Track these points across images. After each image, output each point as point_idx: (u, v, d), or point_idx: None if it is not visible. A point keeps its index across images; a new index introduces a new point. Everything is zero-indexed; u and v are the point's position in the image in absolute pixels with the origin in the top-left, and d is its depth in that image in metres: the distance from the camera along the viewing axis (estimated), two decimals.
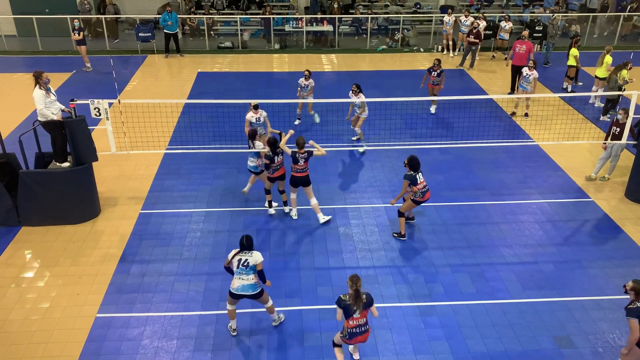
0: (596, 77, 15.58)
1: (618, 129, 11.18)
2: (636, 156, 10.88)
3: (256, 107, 11.20)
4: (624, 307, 6.56)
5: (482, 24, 19.81)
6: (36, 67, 13.78)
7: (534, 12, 23.07)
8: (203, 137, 12.74)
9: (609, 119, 14.39)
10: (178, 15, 20.34)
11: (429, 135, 13.54)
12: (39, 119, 9.67)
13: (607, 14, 23.42)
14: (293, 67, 19.13)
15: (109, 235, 9.75)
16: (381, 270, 8.93)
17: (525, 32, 16.84)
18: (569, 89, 16.67)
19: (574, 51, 16.19)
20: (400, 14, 22.99)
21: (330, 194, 11.11)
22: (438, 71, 14.37)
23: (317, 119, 14.18)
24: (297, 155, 9.58)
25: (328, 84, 17.46)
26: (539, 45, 20.60)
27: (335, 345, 6.94)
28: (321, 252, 9.36)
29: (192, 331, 7.67)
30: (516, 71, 15.93)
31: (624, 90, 13.88)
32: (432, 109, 14.97)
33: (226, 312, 7.54)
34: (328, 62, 19.92)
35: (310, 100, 13.32)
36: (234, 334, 7.56)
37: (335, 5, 23.23)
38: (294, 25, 21.98)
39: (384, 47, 21.92)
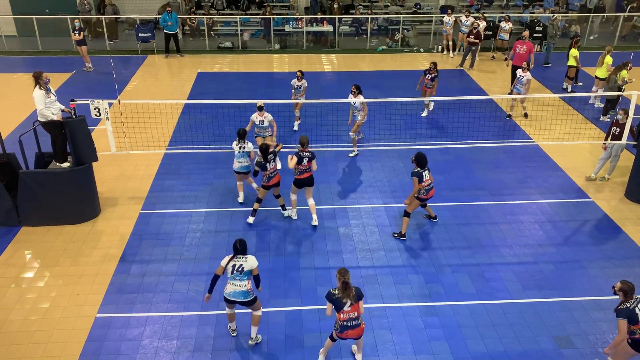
0: (596, 77, 15.58)
1: (618, 129, 11.18)
2: (636, 156, 10.88)
3: (261, 108, 11.26)
4: (614, 308, 6.58)
5: (482, 24, 19.81)
6: (36, 67, 13.77)
7: (533, 13, 23.07)
8: (203, 137, 12.74)
9: (608, 119, 14.39)
10: (178, 16, 20.34)
11: (429, 136, 13.54)
12: (39, 119, 9.67)
13: (602, 14, 23.37)
14: (293, 67, 19.12)
15: (109, 235, 9.75)
16: (381, 270, 8.93)
17: (526, 33, 16.84)
18: (569, 89, 16.67)
19: (574, 51, 16.19)
20: (400, 14, 22.99)
21: (330, 194, 11.11)
22: (433, 75, 14.36)
23: (296, 127, 13.76)
24: (301, 154, 9.55)
25: (328, 84, 17.47)
26: (539, 46, 20.61)
27: (332, 338, 6.99)
28: (321, 252, 9.36)
29: (192, 331, 7.67)
30: (516, 71, 15.92)
31: (624, 90, 13.89)
32: (424, 113, 14.90)
33: (225, 312, 7.55)
34: (328, 63, 19.93)
35: (302, 100, 13.21)
36: (234, 334, 7.56)
37: (336, 6, 23.24)
38: (294, 26, 21.99)
39: (384, 47, 21.93)
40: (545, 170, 12.12)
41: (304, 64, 19.74)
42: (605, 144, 11.53)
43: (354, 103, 12.01)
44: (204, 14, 22.56)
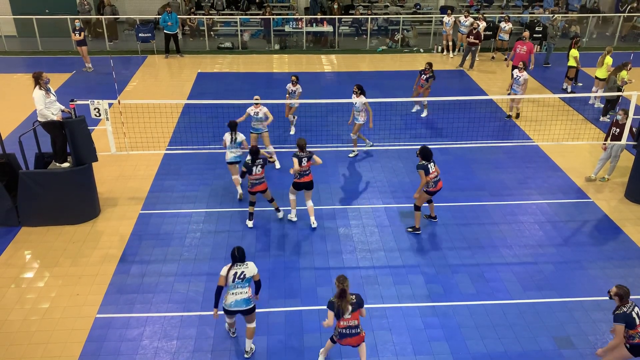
0: (596, 77, 15.58)
1: (618, 130, 11.18)
2: (636, 157, 10.88)
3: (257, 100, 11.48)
4: (612, 312, 6.58)
5: (482, 24, 19.81)
6: (36, 67, 13.78)
7: (533, 13, 23.07)
8: (203, 138, 12.73)
9: (608, 120, 14.39)
10: (178, 16, 20.34)
11: (428, 136, 13.55)
12: (39, 119, 9.67)
13: (596, 14, 23.34)
14: (293, 67, 19.14)
15: (108, 236, 9.75)
16: (381, 270, 8.93)
17: (526, 33, 16.85)
18: (569, 90, 16.67)
19: (574, 52, 16.19)
20: (400, 14, 22.99)
21: (330, 194, 11.11)
22: (428, 75, 14.37)
23: (293, 130, 13.75)
24: (300, 155, 9.54)
25: (328, 85, 17.48)
26: (538, 46, 20.61)
27: (331, 339, 6.97)
28: (321, 252, 9.36)
29: (192, 332, 7.67)
30: None
31: (623, 91, 13.89)
32: (424, 114, 14.93)
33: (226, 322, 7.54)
34: (328, 63, 19.93)
35: (296, 101, 13.11)
36: (234, 335, 7.55)
37: (335, 6, 23.24)
38: (294, 26, 22.00)
39: (384, 47, 21.93)
40: (545, 171, 12.12)
41: (304, 64, 19.75)
42: (605, 144, 11.53)
43: (355, 103, 11.97)
44: (203, 15, 22.56)
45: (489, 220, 10.32)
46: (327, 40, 22.11)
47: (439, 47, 21.45)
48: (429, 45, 22.00)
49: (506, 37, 20.17)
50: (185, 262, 9.09)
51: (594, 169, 11.79)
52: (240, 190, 10.77)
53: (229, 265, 6.92)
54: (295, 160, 9.50)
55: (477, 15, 20.68)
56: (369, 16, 22.43)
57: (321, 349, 7.23)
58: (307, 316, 7.95)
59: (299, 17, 22.34)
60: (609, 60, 15.12)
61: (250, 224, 9.96)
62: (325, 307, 8.07)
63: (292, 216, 10.15)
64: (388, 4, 24.73)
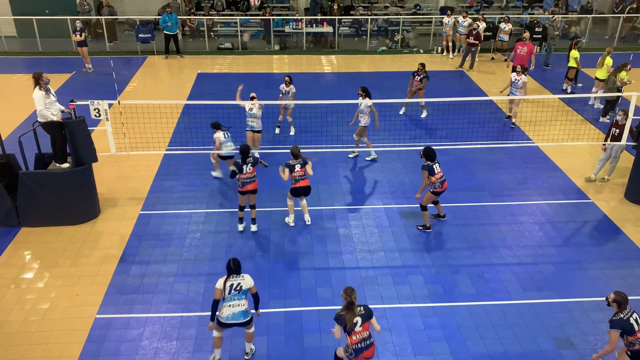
0: (596, 78, 15.59)
1: (617, 130, 11.18)
2: (636, 157, 10.89)
3: (252, 98, 11.70)
4: (608, 320, 6.53)
5: (482, 25, 19.82)
6: (36, 68, 13.78)
7: (533, 14, 23.08)
8: (203, 138, 12.73)
9: (608, 121, 14.39)
10: (178, 17, 20.34)
11: (428, 137, 13.55)
12: (39, 119, 9.67)
13: (594, 15, 23.34)
14: (293, 68, 19.14)
15: (108, 236, 9.75)
16: (381, 271, 8.93)
17: (527, 34, 16.84)
18: (569, 91, 16.68)
19: (574, 53, 16.19)
20: (400, 15, 23.00)
21: (330, 194, 11.11)
22: (421, 76, 14.37)
23: (292, 131, 13.72)
24: (292, 163, 9.55)
25: (328, 85, 17.48)
26: (538, 47, 20.62)
27: (337, 358, 6.74)
28: (321, 253, 9.36)
29: (192, 332, 7.66)
30: None
31: (623, 91, 13.89)
32: (423, 114, 14.93)
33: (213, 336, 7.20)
34: (328, 63, 19.94)
35: (291, 102, 13.09)
36: None
37: (335, 7, 23.25)
38: (294, 27, 22.01)
39: (384, 48, 21.94)
40: (545, 171, 12.12)
41: (304, 64, 19.76)
42: (604, 145, 11.54)
43: (360, 105, 11.89)
44: (203, 15, 22.57)
45: (488, 220, 10.32)
46: (327, 41, 22.12)
47: (439, 48, 21.46)
48: (428, 45, 22.01)
49: (506, 37, 20.18)
50: (185, 262, 9.09)
51: (594, 170, 11.80)
52: (218, 171, 11.56)
53: (225, 277, 6.72)
54: (287, 170, 9.53)
55: (476, 16, 20.68)
56: (369, 17, 22.44)
57: None
58: (307, 317, 7.95)
59: (299, 17, 22.36)
60: (609, 61, 15.12)
61: (241, 227, 9.83)
62: (325, 307, 8.13)
63: (290, 221, 10.09)
64: (388, 4, 24.74)
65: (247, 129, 11.75)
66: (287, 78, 13.24)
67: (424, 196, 9.69)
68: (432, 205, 10.08)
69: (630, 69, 14.39)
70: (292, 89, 13.22)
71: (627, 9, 23.25)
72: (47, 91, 9.57)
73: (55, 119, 9.62)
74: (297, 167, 9.57)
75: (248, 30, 22.77)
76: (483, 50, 20.48)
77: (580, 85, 17.38)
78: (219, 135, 10.87)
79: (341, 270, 8.92)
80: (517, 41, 16.83)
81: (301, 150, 9.77)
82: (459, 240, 9.72)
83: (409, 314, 8.03)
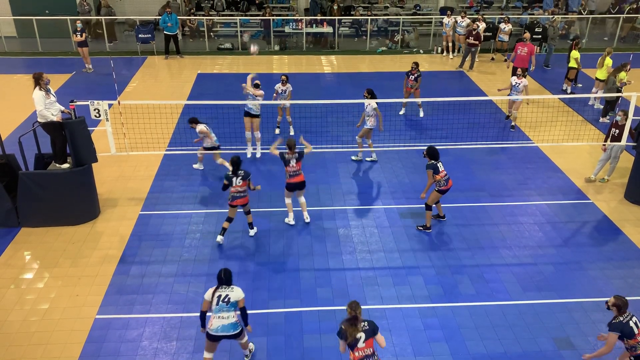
0: (597, 78, 15.59)
1: (617, 131, 11.18)
2: (636, 158, 10.89)
3: (257, 85, 12.26)
4: (608, 323, 6.52)
5: (482, 25, 19.82)
6: (36, 68, 13.76)
7: (533, 14, 23.09)
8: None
9: (608, 121, 14.39)
10: (178, 17, 20.34)
11: (428, 137, 13.54)
12: (39, 120, 9.67)
13: (594, 16, 23.34)
14: (293, 68, 19.14)
15: (108, 236, 9.74)
16: (380, 271, 8.93)
17: (527, 35, 16.82)
18: (569, 91, 16.68)
19: (575, 53, 16.18)
20: (400, 15, 23.00)
21: (330, 195, 11.11)
22: (415, 75, 14.38)
23: (292, 131, 13.76)
24: (287, 157, 9.52)
25: (328, 86, 17.49)
26: (538, 47, 20.62)
27: None
28: (321, 253, 9.36)
29: (192, 332, 7.66)
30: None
31: (623, 92, 13.88)
32: (421, 114, 14.97)
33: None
34: (328, 64, 19.94)
35: (288, 102, 13.10)
36: None
37: (335, 7, 23.25)
38: (294, 27, 22.00)
39: (384, 48, 21.94)
40: (545, 172, 12.12)
41: (304, 65, 19.76)
42: (604, 145, 11.54)
43: (366, 108, 11.77)
44: (203, 15, 22.57)
45: (488, 221, 10.32)
46: (327, 41, 22.12)
47: (439, 48, 21.46)
48: (428, 46, 22.01)
49: (506, 38, 20.19)
50: (185, 262, 9.09)
51: (594, 170, 11.80)
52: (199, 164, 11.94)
53: (214, 287, 6.59)
54: (277, 151, 9.66)
55: (476, 17, 20.68)
56: (369, 17, 22.44)
57: None
58: (307, 317, 7.95)
59: (299, 18, 22.35)
60: (608, 61, 15.12)
61: (220, 239, 9.44)
62: (324, 307, 8.13)
63: (290, 220, 10.09)
64: (388, 5, 24.74)
65: (246, 109, 12.17)
66: (283, 77, 13.26)
67: (430, 195, 9.69)
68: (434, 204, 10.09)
69: (629, 69, 14.38)
70: (289, 87, 13.25)
71: (627, 9, 23.26)
72: (47, 91, 9.57)
73: (55, 119, 9.62)
74: (292, 162, 9.53)
75: (248, 30, 22.76)
76: (483, 51, 20.47)
77: (580, 85, 17.38)
78: (203, 126, 11.24)
79: (341, 271, 8.92)
80: (518, 41, 16.82)
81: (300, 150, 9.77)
82: (459, 241, 9.72)
83: (409, 315, 8.03)
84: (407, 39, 22.29)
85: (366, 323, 6.09)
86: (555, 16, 21.10)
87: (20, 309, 8.07)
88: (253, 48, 12.26)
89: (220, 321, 6.53)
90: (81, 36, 17.84)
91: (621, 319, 6.36)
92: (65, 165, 10.08)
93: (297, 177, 9.65)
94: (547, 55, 19.64)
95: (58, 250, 9.35)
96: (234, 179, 9.02)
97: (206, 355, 6.79)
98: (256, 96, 12.09)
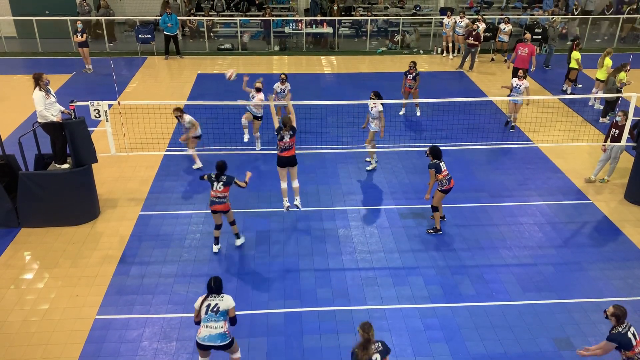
0: (597, 79, 15.59)
1: (617, 131, 11.18)
2: (635, 158, 10.89)
3: (259, 89, 12.31)
4: (608, 333, 6.36)
5: (482, 26, 19.83)
6: (36, 68, 13.73)
7: (533, 15, 23.10)
8: (203, 139, 12.71)
9: (608, 121, 14.40)
10: (178, 17, 20.34)
11: (428, 137, 13.54)
12: (39, 120, 9.67)
13: (582, 16, 23.34)
14: (293, 68, 19.15)
15: (108, 237, 9.74)
16: (380, 272, 8.93)
17: (528, 35, 16.80)
18: (569, 91, 16.68)
19: (576, 54, 16.18)
20: (400, 16, 23.01)
21: (330, 195, 11.11)
22: (414, 74, 14.38)
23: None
24: (282, 132, 9.44)
25: (328, 86, 17.49)
26: (538, 48, 20.62)
27: None
28: (321, 253, 9.36)
29: (192, 333, 7.65)
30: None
31: (622, 92, 13.88)
32: (417, 112, 15.00)
33: None
34: (328, 64, 19.94)
35: (285, 102, 13.07)
36: None
37: (335, 7, 23.25)
38: (294, 27, 22.00)
39: (384, 49, 21.95)
40: (545, 172, 12.12)
41: (304, 65, 19.76)
42: (604, 145, 11.54)
43: (371, 110, 11.59)
44: (203, 16, 22.57)
45: (488, 221, 10.32)
46: (327, 42, 22.11)
47: (439, 49, 21.46)
48: (428, 46, 22.02)
49: (506, 38, 20.19)
50: (185, 263, 9.09)
51: (594, 171, 11.80)
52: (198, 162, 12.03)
53: (204, 296, 6.45)
54: (276, 120, 9.75)
55: (476, 17, 20.68)
56: (369, 17, 22.44)
57: None
58: (307, 317, 7.95)
59: (299, 18, 22.36)
60: (608, 61, 15.13)
61: (216, 249, 9.32)
62: (324, 307, 8.13)
63: (285, 203, 9.96)
64: (388, 5, 24.75)
65: (247, 108, 12.40)
66: (283, 76, 13.30)
67: (434, 196, 9.67)
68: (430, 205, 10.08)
69: (629, 69, 14.39)
70: (287, 86, 13.28)
71: (627, 10, 23.26)
72: (47, 92, 9.57)
73: (55, 119, 9.62)
74: (287, 138, 9.46)
75: (248, 30, 22.77)
76: (483, 51, 20.47)
77: (580, 86, 17.38)
78: (190, 117, 11.71)
79: (341, 271, 8.92)
80: (518, 42, 16.81)
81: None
82: (458, 241, 9.72)
83: (408, 315, 8.03)
84: (408, 40, 22.29)
85: (380, 344, 5.90)
86: (555, 16, 21.10)
87: (20, 309, 8.07)
88: (229, 73, 11.95)
89: (208, 330, 6.35)
90: (82, 37, 17.85)
91: (620, 329, 6.24)
92: (65, 166, 10.08)
93: (288, 151, 9.53)
94: (547, 55, 19.64)
95: (58, 251, 9.35)
96: (215, 183, 8.80)
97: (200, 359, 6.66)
98: (253, 98, 12.22)
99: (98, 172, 10.96)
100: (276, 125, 9.64)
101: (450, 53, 20.89)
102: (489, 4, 25.02)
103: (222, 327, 6.37)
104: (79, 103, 9.85)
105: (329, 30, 21.94)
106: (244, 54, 21.22)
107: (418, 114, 14.97)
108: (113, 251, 9.35)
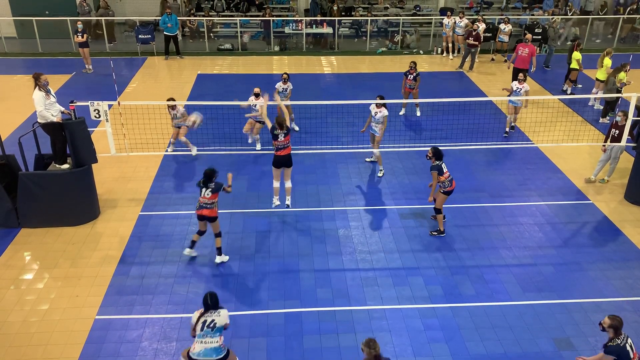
0: (597, 79, 15.60)
1: (617, 131, 11.18)
2: (635, 158, 10.89)
3: (257, 94, 12.28)
4: (603, 344, 6.29)
5: (482, 26, 19.83)
6: (36, 68, 13.72)
7: (533, 15, 23.10)
8: (203, 139, 12.74)
9: (608, 121, 14.40)
10: (178, 17, 20.35)
11: (428, 137, 13.54)
12: (39, 120, 9.67)
13: (591, 17, 23.36)
14: (293, 69, 19.15)
15: (108, 237, 9.74)
16: (380, 272, 8.93)
17: (529, 36, 16.80)
18: (569, 92, 16.68)
19: (576, 55, 16.18)
20: (400, 16, 23.01)
21: (330, 196, 11.11)
22: (414, 74, 14.38)
23: (296, 127, 13.87)
24: (277, 132, 9.53)
25: (328, 86, 17.49)
26: (538, 48, 20.62)
27: None
28: (320, 254, 9.36)
29: None
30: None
31: (622, 92, 13.89)
32: (417, 112, 15.01)
33: None
34: (328, 64, 19.94)
35: (286, 102, 13.05)
36: None
37: (335, 8, 23.26)
38: (294, 28, 22.01)
39: (384, 49, 21.95)
40: (545, 172, 12.12)
41: (304, 65, 19.77)
42: (604, 146, 11.54)
43: (375, 115, 11.38)
44: (203, 16, 22.57)
45: (488, 221, 10.32)
46: (327, 42, 22.12)
47: (439, 49, 21.47)
48: (428, 46, 22.02)
49: (506, 38, 20.20)
50: (184, 263, 9.09)
51: (594, 171, 11.80)
52: (194, 149, 12.37)
53: (200, 311, 6.35)
54: (269, 120, 9.84)
55: (476, 17, 20.69)
56: (369, 18, 22.45)
57: None
58: (307, 317, 7.95)
59: (299, 18, 22.36)
60: (607, 61, 15.12)
61: (187, 252, 9.10)
62: (324, 308, 8.12)
63: (275, 201, 10.11)
64: (388, 5, 24.75)
65: (249, 114, 12.45)
66: (285, 75, 13.31)
67: (437, 198, 9.66)
68: (430, 206, 10.07)
69: (629, 69, 14.39)
70: (289, 86, 13.30)
71: (628, 10, 23.27)
72: (47, 92, 9.57)
73: (55, 119, 9.62)
74: (281, 137, 9.57)
75: (248, 31, 22.77)
76: (483, 51, 20.48)
77: (580, 86, 17.38)
78: (183, 109, 12.18)
79: (341, 271, 8.92)
80: (518, 42, 16.80)
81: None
82: (458, 241, 9.72)
83: (408, 315, 8.03)
84: (408, 40, 22.29)
85: None
86: (555, 17, 21.11)
87: (20, 309, 8.07)
88: (192, 117, 11.93)
89: (203, 345, 6.29)
90: (82, 37, 17.85)
91: (618, 341, 6.10)
92: (65, 166, 10.08)
93: (284, 150, 9.63)
94: (547, 56, 19.64)
95: (58, 251, 9.35)
96: (204, 190, 8.75)
97: None
98: (256, 106, 12.19)
99: (98, 172, 10.96)
100: (269, 124, 9.72)
101: (450, 53, 20.90)
102: (489, 4, 25.03)
103: (217, 341, 6.34)
104: (79, 103, 9.85)
105: (329, 30, 21.94)
106: (244, 54, 21.23)
107: (418, 114, 14.99)
108: (113, 251, 9.35)
